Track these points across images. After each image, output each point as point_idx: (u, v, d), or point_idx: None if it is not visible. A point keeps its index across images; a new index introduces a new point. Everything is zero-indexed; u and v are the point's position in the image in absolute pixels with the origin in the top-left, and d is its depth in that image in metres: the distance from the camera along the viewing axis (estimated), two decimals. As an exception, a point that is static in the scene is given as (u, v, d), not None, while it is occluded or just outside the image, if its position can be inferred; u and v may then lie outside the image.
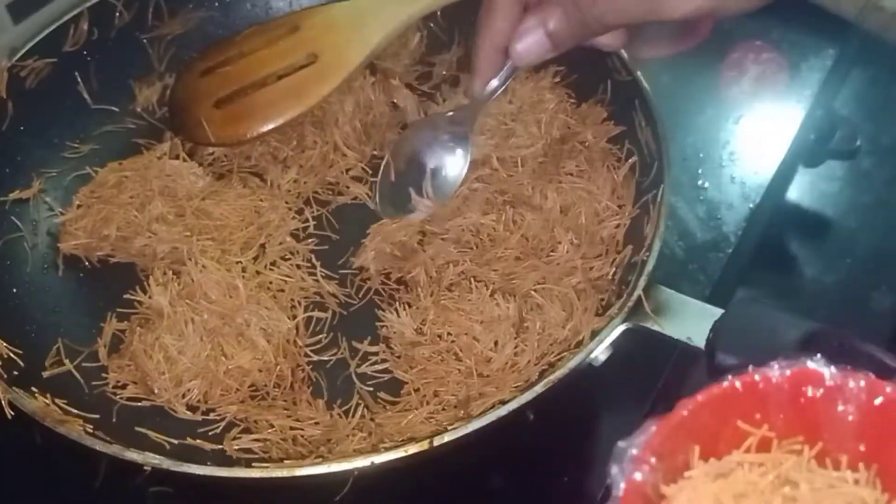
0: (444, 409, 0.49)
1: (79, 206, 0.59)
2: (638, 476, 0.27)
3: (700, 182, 0.68)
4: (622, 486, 0.27)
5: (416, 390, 0.51)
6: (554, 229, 0.55)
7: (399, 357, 0.53)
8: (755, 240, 0.64)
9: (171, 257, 0.57)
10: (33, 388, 0.48)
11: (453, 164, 0.57)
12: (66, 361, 0.52)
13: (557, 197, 0.56)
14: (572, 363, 0.46)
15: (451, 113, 0.58)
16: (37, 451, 0.53)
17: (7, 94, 0.58)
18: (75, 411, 0.48)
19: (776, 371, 0.28)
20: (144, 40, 0.66)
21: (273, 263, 0.57)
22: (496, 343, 0.50)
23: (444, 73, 0.68)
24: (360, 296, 0.57)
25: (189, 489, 0.51)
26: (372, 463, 0.43)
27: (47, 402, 0.46)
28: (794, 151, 0.70)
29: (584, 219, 0.56)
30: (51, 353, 0.52)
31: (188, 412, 0.51)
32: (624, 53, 0.58)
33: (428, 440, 0.43)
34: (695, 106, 0.73)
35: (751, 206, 0.67)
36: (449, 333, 0.52)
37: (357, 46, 0.58)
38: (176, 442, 0.48)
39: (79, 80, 0.63)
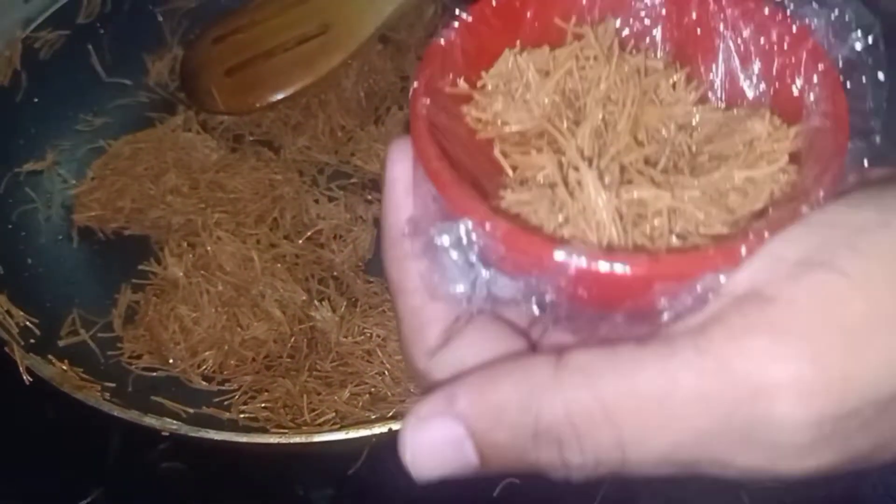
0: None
1: (93, 178, 0.59)
2: (452, 35, 0.26)
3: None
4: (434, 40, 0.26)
5: (329, 385, 0.50)
6: None
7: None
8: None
9: (185, 229, 0.57)
10: (50, 357, 0.48)
11: None
12: (82, 331, 0.52)
13: None
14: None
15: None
16: (48, 426, 0.53)
17: (21, 66, 0.58)
18: (91, 379, 0.48)
19: None
20: (158, 14, 0.66)
21: (287, 237, 0.57)
22: None
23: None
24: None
25: (201, 465, 0.52)
26: (390, 430, 0.43)
27: (65, 368, 0.46)
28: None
29: None
30: (66, 324, 0.52)
31: (203, 382, 0.51)
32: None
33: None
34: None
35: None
36: (378, 335, 0.51)
37: (369, 17, 0.57)
38: (192, 411, 0.48)
39: (92, 52, 0.63)
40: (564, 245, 0.21)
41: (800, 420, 0.19)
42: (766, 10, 0.26)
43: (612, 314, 0.22)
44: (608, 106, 0.26)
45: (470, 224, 0.21)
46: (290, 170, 0.61)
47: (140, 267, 0.55)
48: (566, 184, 0.23)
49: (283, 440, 0.43)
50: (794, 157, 0.24)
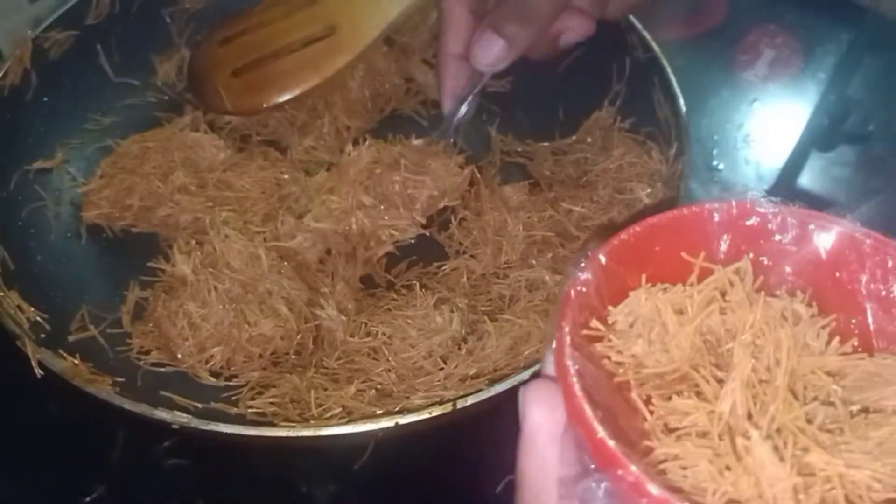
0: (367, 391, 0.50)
1: (101, 177, 0.60)
2: (587, 275, 0.26)
3: (715, 163, 0.68)
4: (569, 284, 0.26)
5: (336, 381, 0.51)
6: None
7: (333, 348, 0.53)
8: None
9: (193, 227, 0.57)
10: (60, 351, 0.48)
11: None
12: (91, 327, 0.53)
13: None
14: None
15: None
16: (54, 424, 0.54)
17: (31, 65, 0.59)
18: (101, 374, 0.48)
19: (717, 205, 0.28)
20: (165, 15, 0.67)
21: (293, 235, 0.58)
22: (430, 353, 0.51)
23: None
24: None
25: (206, 462, 0.52)
26: (396, 424, 0.43)
27: (76, 362, 0.47)
28: (808, 135, 0.71)
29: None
30: (76, 319, 0.53)
31: (211, 378, 0.52)
32: (644, 31, 0.59)
33: (451, 402, 0.44)
34: (710, 88, 0.73)
35: (765, 188, 0.67)
36: (383, 333, 0.52)
37: (375, 19, 0.58)
38: (200, 406, 0.48)
39: (101, 53, 0.64)
40: None
41: None
42: None
43: None
44: (755, 353, 0.25)
45: None
46: (297, 169, 0.61)
47: (148, 264, 0.56)
48: (727, 440, 0.23)
49: (292, 433, 0.43)
50: None
